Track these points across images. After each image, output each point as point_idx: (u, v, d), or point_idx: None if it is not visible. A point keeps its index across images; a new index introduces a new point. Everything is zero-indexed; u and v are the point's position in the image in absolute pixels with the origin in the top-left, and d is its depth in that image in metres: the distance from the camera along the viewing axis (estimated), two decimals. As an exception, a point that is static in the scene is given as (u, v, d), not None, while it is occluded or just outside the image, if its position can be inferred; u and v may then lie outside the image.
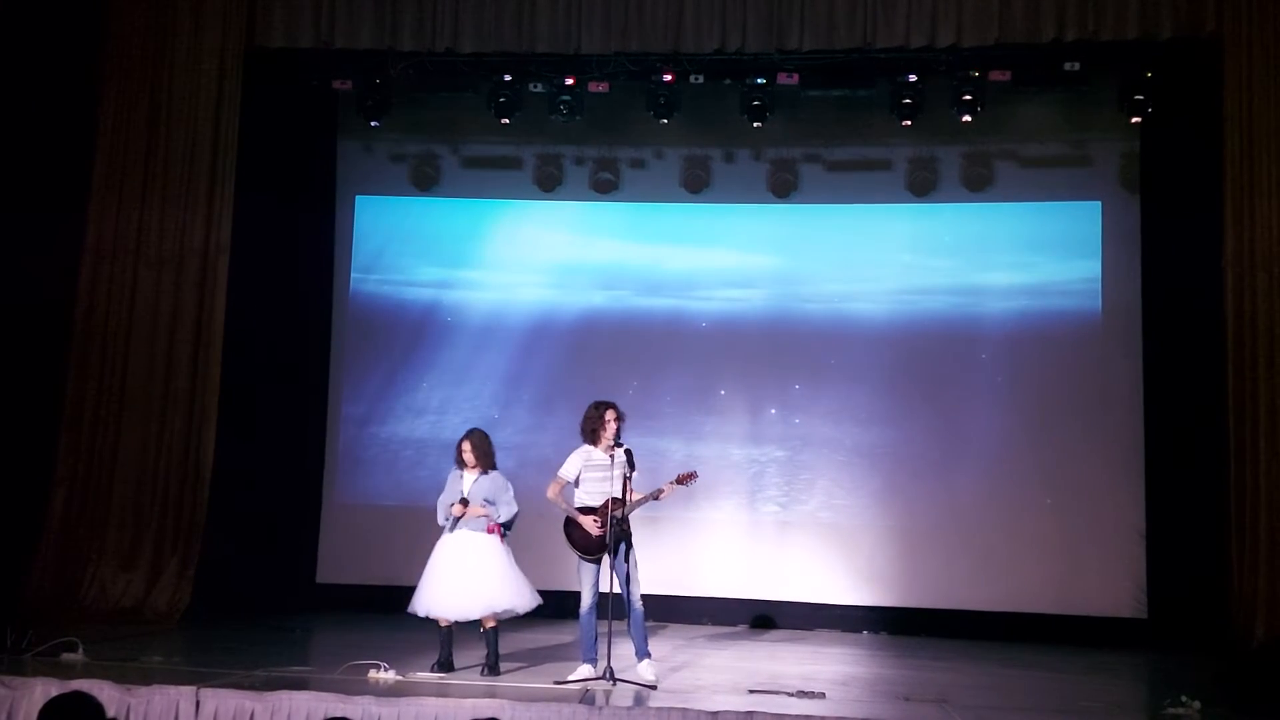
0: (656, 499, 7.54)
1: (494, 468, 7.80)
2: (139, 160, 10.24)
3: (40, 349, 9.98)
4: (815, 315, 11.46)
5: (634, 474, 7.37)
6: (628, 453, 7.41)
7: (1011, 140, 11.28)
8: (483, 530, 7.65)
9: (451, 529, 7.68)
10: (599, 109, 11.15)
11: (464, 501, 7.65)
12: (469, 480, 7.73)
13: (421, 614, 7.70)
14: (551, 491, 7.63)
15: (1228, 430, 9.28)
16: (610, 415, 7.56)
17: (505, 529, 7.72)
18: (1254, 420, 9.19)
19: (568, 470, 7.62)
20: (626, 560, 7.47)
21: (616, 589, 7.38)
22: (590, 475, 7.56)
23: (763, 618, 11.06)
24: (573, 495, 7.61)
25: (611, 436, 7.53)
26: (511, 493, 7.75)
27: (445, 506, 7.74)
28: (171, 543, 9.92)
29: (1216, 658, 8.75)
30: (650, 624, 7.82)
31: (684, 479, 7.53)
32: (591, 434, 7.60)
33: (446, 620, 7.67)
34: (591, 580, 7.51)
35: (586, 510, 7.51)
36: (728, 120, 11.12)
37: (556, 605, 8.76)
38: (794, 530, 11.25)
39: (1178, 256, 10.47)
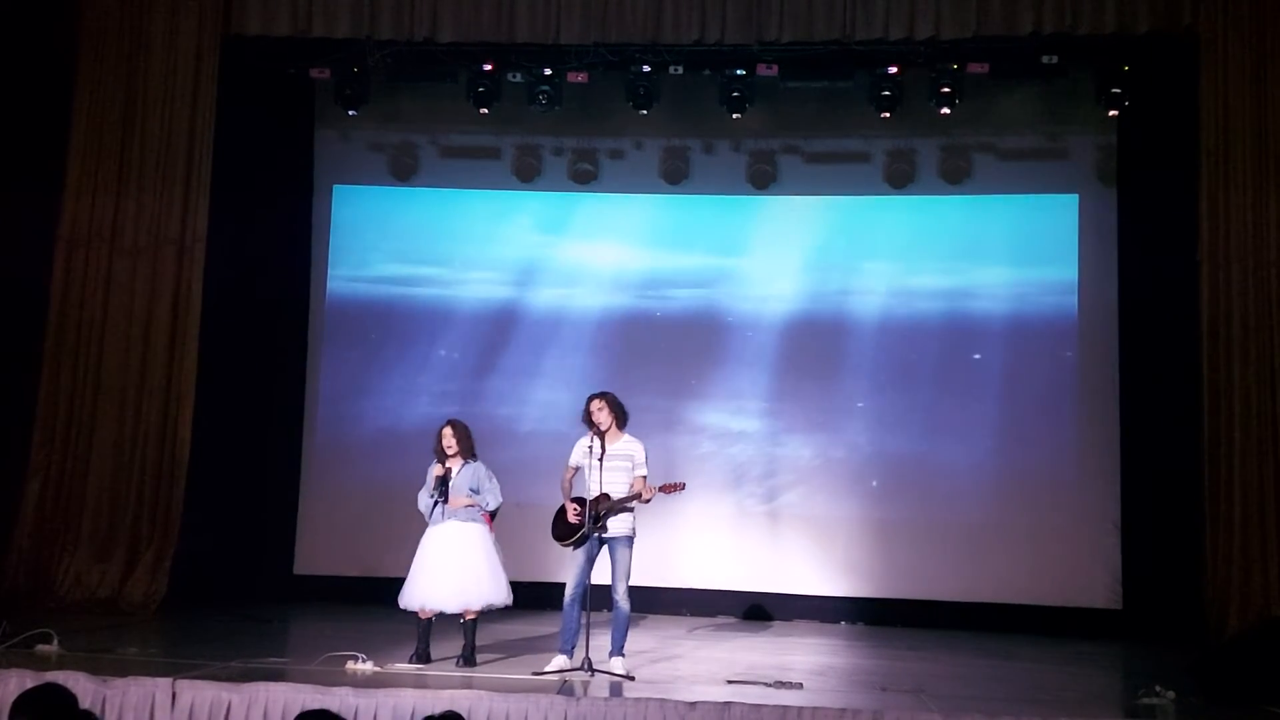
0: (642, 501, 7.52)
1: (475, 457, 7.78)
2: (114, 148, 10.16)
3: (14, 338, 9.91)
4: (792, 308, 11.45)
5: (605, 460, 7.37)
6: (601, 438, 7.44)
7: (989, 133, 11.31)
8: (470, 521, 7.63)
9: (435, 503, 7.64)
10: (578, 99, 11.12)
11: (442, 464, 7.64)
12: (452, 471, 7.72)
13: (415, 608, 7.66)
14: (563, 478, 7.68)
15: (1202, 422, 9.35)
16: (594, 405, 7.57)
17: (491, 517, 7.72)
18: (1228, 412, 9.26)
19: (571, 457, 7.68)
20: (613, 556, 7.49)
21: (601, 580, 7.43)
22: (584, 464, 7.58)
23: (741, 609, 11.07)
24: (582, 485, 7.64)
25: (597, 425, 7.52)
26: (496, 482, 7.74)
27: (428, 490, 7.71)
28: (147, 533, 9.87)
29: (1190, 648, 8.80)
30: (630, 615, 7.79)
31: (669, 488, 7.50)
32: (586, 423, 7.61)
33: (431, 612, 7.65)
34: (574, 571, 7.52)
35: (580, 500, 7.53)
36: (707, 111, 11.11)
37: (533, 596, 8.77)
38: (772, 522, 11.27)
39: (1154, 249, 10.52)
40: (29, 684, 5.82)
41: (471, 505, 7.64)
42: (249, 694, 6.35)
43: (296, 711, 6.20)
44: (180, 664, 7.08)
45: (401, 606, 7.71)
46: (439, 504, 7.64)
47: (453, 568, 7.58)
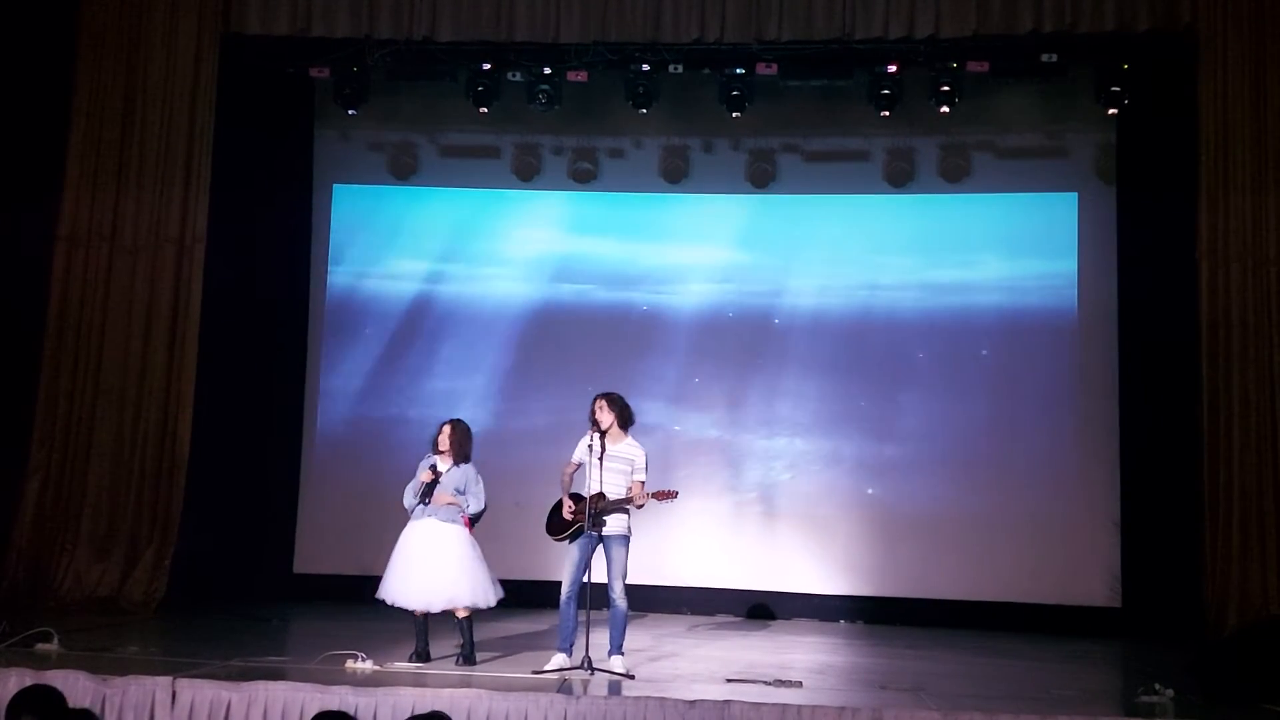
0: (635, 506, 7.56)
1: (468, 459, 7.79)
2: (114, 148, 10.14)
3: (13, 338, 9.91)
4: (792, 305, 11.47)
5: (604, 461, 7.40)
6: (601, 437, 7.48)
7: (989, 132, 11.31)
8: (450, 521, 7.63)
9: (419, 503, 7.65)
10: (578, 98, 11.12)
11: (433, 469, 7.64)
12: (441, 469, 7.72)
13: (388, 602, 7.69)
14: (563, 471, 7.72)
15: (1201, 421, 9.36)
16: (597, 404, 7.64)
17: (472, 521, 7.71)
18: (1227, 411, 9.26)
19: (574, 453, 7.73)
20: (608, 554, 7.50)
21: (600, 579, 7.43)
22: (585, 460, 7.62)
23: (740, 607, 11.07)
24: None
25: (598, 424, 7.55)
26: (482, 486, 7.74)
27: (413, 489, 7.72)
28: (147, 532, 9.86)
29: (1190, 646, 8.80)
30: (629, 613, 7.80)
31: (661, 495, 7.53)
32: (591, 421, 7.64)
33: (416, 610, 7.65)
34: (569, 569, 7.55)
35: (576, 496, 7.56)
36: (707, 110, 11.11)
37: (532, 595, 8.78)
38: (771, 520, 11.27)
39: (1153, 248, 10.52)
40: (29, 683, 5.83)
41: (453, 505, 7.64)
42: (249, 693, 6.35)
43: (296, 711, 6.24)
44: (180, 663, 7.08)
45: (376, 597, 7.72)
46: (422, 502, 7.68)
47: (425, 567, 7.56)
